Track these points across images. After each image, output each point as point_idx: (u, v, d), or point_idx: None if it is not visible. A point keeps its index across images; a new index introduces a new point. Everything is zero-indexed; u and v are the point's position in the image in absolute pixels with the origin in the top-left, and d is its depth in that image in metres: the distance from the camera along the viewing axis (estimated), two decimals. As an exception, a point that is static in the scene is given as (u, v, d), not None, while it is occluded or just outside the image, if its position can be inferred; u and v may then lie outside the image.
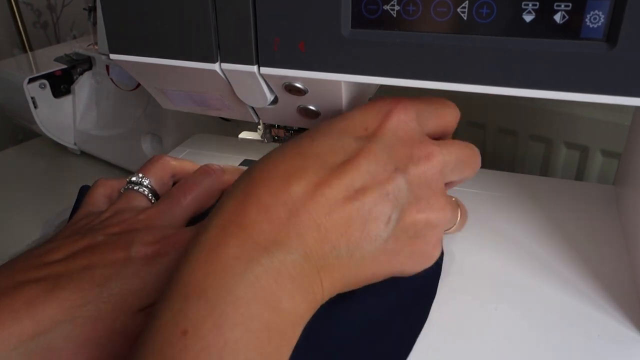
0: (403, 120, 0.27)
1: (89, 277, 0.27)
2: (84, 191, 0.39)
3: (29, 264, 0.28)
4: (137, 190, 0.35)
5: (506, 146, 0.56)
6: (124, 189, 0.35)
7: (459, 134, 0.39)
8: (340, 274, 0.25)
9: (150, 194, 0.35)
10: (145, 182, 0.35)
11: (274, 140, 0.40)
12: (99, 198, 0.35)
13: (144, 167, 0.37)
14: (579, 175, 0.53)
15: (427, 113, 0.28)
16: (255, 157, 0.47)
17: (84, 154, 0.63)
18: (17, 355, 0.25)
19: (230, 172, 0.37)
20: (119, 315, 0.26)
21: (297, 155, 0.25)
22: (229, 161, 0.47)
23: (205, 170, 0.36)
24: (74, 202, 0.39)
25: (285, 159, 0.25)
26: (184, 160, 0.39)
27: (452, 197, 0.29)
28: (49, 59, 0.61)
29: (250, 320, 0.21)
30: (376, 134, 0.26)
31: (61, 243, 0.30)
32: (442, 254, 0.29)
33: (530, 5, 0.22)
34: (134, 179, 0.36)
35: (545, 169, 0.55)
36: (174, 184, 0.38)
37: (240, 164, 0.46)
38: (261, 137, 0.40)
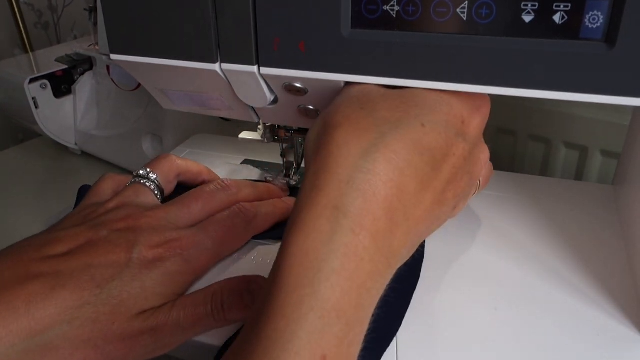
0: (484, 120, 0.26)
1: (89, 276, 0.27)
2: (83, 191, 0.39)
3: (30, 255, 0.28)
4: (143, 184, 0.35)
5: (506, 146, 0.57)
6: (131, 182, 0.35)
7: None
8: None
9: (156, 190, 0.35)
10: (153, 177, 0.36)
11: (274, 140, 0.40)
12: (105, 191, 0.35)
13: (151, 163, 0.37)
14: (579, 175, 0.53)
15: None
16: (255, 157, 0.47)
17: (84, 154, 0.63)
18: (14, 352, 0.25)
19: (245, 188, 0.37)
20: (117, 318, 0.27)
21: (414, 144, 0.23)
22: (229, 161, 0.47)
23: (220, 185, 0.36)
24: (74, 202, 0.39)
25: (406, 146, 0.23)
26: (190, 160, 0.39)
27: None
28: (49, 59, 0.61)
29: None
30: (470, 132, 0.25)
31: (64, 234, 0.30)
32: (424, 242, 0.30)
33: (529, 5, 0.22)
34: (141, 172, 0.36)
35: (544, 169, 0.55)
36: (179, 184, 0.38)
37: (241, 164, 0.46)
38: (261, 137, 0.40)
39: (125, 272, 0.28)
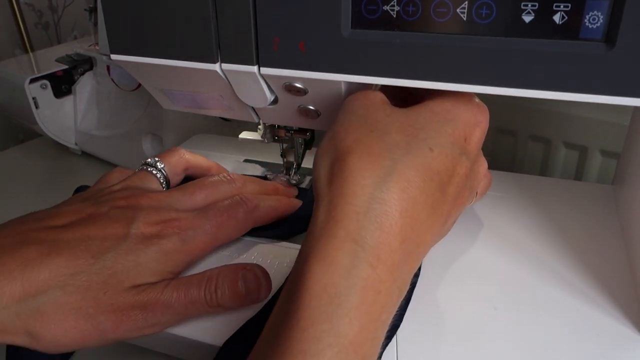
0: (483, 134, 0.27)
1: (85, 247, 0.28)
2: (80, 191, 0.39)
3: (30, 225, 0.29)
4: (150, 172, 0.36)
5: (505, 146, 0.57)
6: (138, 169, 0.36)
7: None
8: None
9: (162, 179, 0.36)
10: (160, 165, 0.36)
11: (274, 140, 0.40)
12: (113, 180, 0.36)
13: (161, 154, 0.38)
14: (578, 175, 0.53)
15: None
16: (255, 157, 0.47)
17: (85, 154, 0.63)
18: (7, 315, 0.25)
19: (251, 183, 0.37)
20: (109, 289, 0.27)
21: (424, 170, 0.23)
22: (229, 161, 0.47)
23: (226, 177, 0.36)
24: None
25: (416, 173, 0.23)
26: (199, 156, 0.39)
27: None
28: (50, 59, 0.61)
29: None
30: (471, 149, 0.25)
31: (66, 209, 0.31)
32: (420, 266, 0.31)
33: (529, 5, 0.22)
34: (149, 160, 0.37)
35: (544, 169, 0.55)
36: (186, 178, 0.39)
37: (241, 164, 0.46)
38: (261, 137, 0.40)
39: (121, 245, 0.28)
